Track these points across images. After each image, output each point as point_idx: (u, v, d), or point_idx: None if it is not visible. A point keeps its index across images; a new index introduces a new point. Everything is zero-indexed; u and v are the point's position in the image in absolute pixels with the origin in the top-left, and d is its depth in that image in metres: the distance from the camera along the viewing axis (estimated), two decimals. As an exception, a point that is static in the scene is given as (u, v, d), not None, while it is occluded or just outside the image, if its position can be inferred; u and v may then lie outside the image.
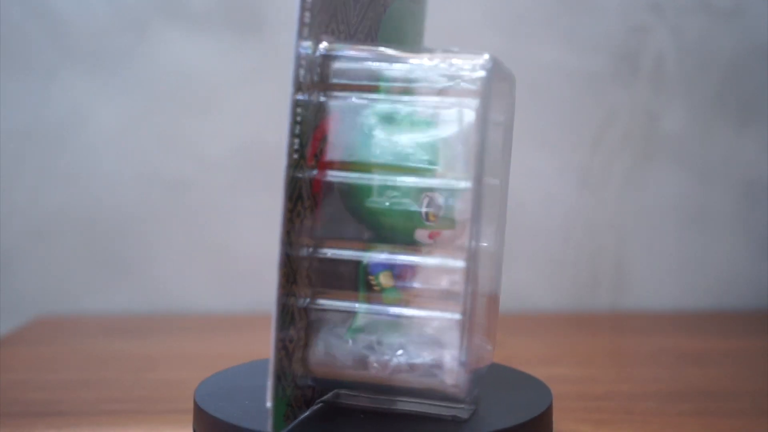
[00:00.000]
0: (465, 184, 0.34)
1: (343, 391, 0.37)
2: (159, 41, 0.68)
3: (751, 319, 0.66)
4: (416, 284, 0.35)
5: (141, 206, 0.69)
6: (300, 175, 0.33)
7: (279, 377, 0.32)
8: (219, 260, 0.69)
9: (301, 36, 0.32)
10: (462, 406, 0.36)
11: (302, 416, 0.35)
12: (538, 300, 0.70)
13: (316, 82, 0.34)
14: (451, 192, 0.34)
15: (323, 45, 0.35)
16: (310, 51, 0.34)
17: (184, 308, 0.69)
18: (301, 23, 0.32)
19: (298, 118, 0.33)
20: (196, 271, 0.69)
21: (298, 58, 0.33)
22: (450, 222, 0.34)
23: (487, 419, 0.36)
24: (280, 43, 0.68)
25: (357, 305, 0.35)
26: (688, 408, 0.45)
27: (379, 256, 0.35)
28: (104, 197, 0.69)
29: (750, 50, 0.69)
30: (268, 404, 0.32)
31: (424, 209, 0.34)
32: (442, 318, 0.34)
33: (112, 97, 0.69)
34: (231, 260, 0.69)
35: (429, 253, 0.35)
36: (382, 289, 0.35)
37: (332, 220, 0.36)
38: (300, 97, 0.33)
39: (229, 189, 0.69)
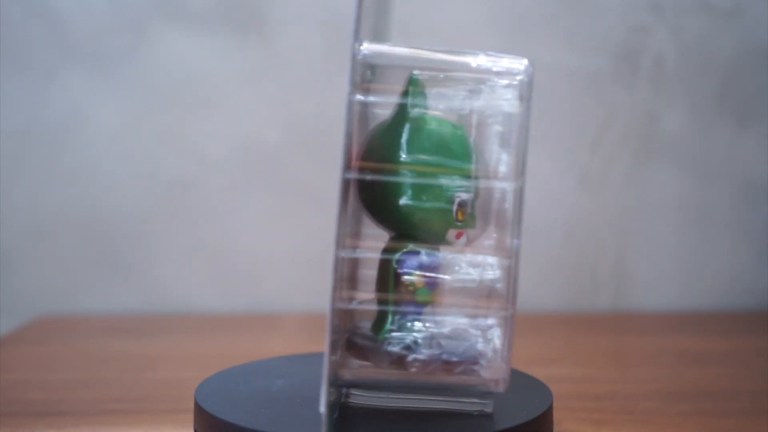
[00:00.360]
0: (509, 184, 0.34)
1: (357, 392, 0.37)
2: (159, 41, 0.68)
3: (751, 319, 0.66)
4: (449, 283, 0.35)
5: (141, 206, 0.69)
6: (349, 176, 0.33)
7: (332, 382, 0.32)
8: (219, 260, 0.69)
9: (357, 37, 0.33)
10: (486, 401, 0.36)
11: (334, 418, 0.35)
12: (538, 300, 0.70)
13: (357, 83, 0.35)
14: (476, 192, 0.35)
15: (365, 46, 0.35)
16: (355, 52, 0.34)
17: (184, 308, 0.69)
18: (358, 24, 0.33)
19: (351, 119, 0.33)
20: (196, 271, 0.69)
21: (355, 58, 0.33)
22: (472, 221, 0.35)
23: (487, 419, 0.36)
24: (280, 43, 0.68)
25: (390, 306, 0.35)
26: (688, 408, 0.45)
27: (410, 256, 0.35)
28: (104, 197, 0.69)
29: (750, 50, 0.69)
30: (322, 409, 0.32)
31: (456, 208, 0.35)
32: (482, 315, 0.35)
33: (112, 97, 0.69)
34: (231, 260, 0.69)
35: (459, 252, 0.35)
36: (416, 289, 0.35)
37: (359, 220, 0.36)
38: (353, 98, 0.33)
39: (229, 189, 0.69)
